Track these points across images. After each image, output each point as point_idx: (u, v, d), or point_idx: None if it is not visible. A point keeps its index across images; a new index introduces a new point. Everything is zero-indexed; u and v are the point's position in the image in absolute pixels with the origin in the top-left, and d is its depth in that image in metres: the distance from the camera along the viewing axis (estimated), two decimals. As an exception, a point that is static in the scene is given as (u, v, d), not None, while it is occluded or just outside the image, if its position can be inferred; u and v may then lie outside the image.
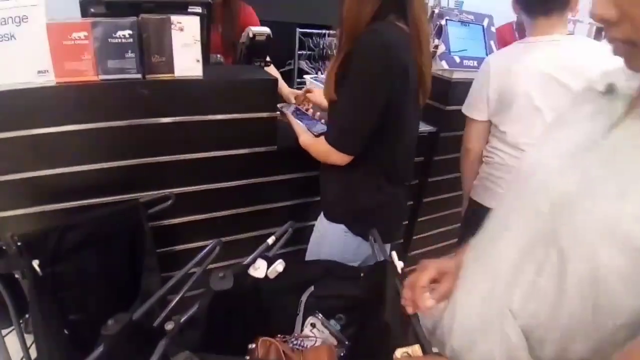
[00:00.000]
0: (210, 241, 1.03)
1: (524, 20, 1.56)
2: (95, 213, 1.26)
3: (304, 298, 1.18)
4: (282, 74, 2.30)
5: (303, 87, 2.16)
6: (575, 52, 1.44)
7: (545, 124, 1.45)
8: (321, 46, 3.67)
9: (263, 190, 1.58)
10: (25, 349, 1.17)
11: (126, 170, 1.33)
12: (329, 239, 1.35)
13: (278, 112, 1.49)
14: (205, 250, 0.98)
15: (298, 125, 1.43)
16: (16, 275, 1.16)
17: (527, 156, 0.79)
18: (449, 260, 0.89)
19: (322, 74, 2.34)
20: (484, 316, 0.72)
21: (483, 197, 1.70)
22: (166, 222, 1.46)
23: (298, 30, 3.53)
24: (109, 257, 1.28)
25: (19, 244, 1.06)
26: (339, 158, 1.20)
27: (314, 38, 3.60)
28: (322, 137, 1.22)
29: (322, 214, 1.38)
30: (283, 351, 0.95)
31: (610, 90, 0.64)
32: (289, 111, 1.56)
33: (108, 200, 1.34)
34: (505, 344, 0.67)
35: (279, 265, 1.03)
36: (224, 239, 1.05)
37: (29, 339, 1.16)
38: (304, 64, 3.66)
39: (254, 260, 0.99)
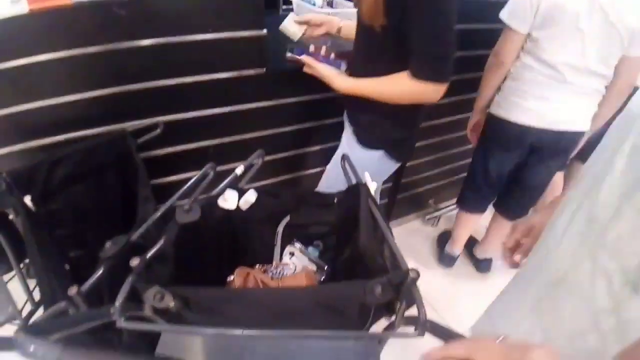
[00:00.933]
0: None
1: None
2: (82, 145, 1.21)
3: (280, 228, 1.17)
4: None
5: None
6: None
7: (584, 47, 1.49)
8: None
9: (253, 117, 1.53)
10: (29, 292, 1.16)
11: (110, 99, 1.27)
12: (363, 164, 1.26)
13: (288, 54, 1.35)
14: (197, 176, 0.95)
15: (331, 70, 1.27)
16: (10, 217, 1.13)
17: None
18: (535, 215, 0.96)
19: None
20: None
21: (509, 111, 1.70)
22: (156, 152, 1.43)
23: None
24: (102, 190, 1.26)
25: (7, 180, 1.03)
26: (436, 92, 1.09)
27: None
28: (403, 76, 1.08)
29: (349, 140, 1.35)
30: (261, 280, 0.95)
31: None
32: (305, 53, 1.34)
33: (94, 132, 1.30)
34: None
35: (251, 196, 1.01)
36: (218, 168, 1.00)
37: (32, 284, 1.15)
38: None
39: (222, 191, 0.96)
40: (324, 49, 1.34)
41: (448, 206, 2.63)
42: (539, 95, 1.62)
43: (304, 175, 1.85)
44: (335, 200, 1.10)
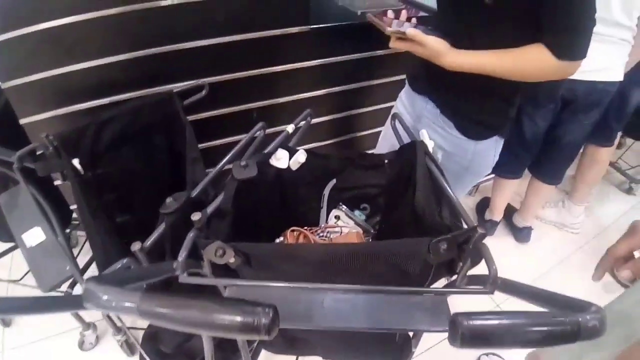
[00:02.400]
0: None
1: None
2: (129, 106, 1.20)
3: (326, 192, 1.16)
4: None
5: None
6: None
7: (609, 3, 1.45)
8: None
9: (298, 77, 1.50)
10: (72, 258, 1.17)
11: (155, 59, 1.26)
12: (481, 159, 1.22)
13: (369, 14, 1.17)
14: (249, 135, 0.94)
15: (441, 43, 1.01)
16: (56, 182, 1.15)
17: None
18: None
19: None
20: None
21: None
22: (202, 114, 1.42)
23: None
24: (148, 152, 1.26)
25: (54, 144, 1.03)
26: (572, 69, 0.96)
27: None
28: (540, 50, 0.93)
29: (449, 139, 1.20)
30: (313, 240, 0.95)
31: None
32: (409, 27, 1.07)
33: (140, 93, 1.30)
34: None
35: (301, 156, 0.99)
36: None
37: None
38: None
39: (275, 150, 0.95)
40: (404, 12, 1.08)
41: (484, 174, 2.57)
42: None
43: (353, 138, 1.83)
44: (385, 162, 1.07)
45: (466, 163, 1.23)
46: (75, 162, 1.09)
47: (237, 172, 0.81)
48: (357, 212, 1.18)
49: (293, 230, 0.99)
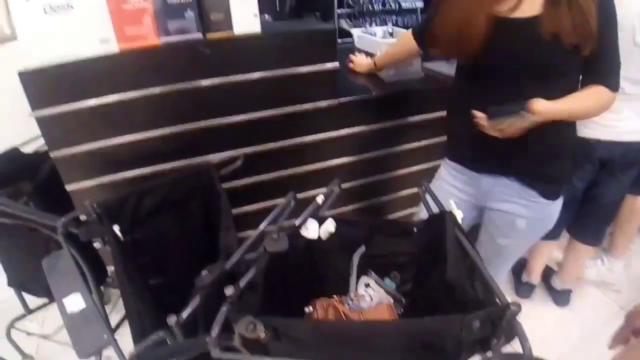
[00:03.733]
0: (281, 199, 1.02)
1: None
2: (169, 177, 1.28)
3: (355, 259, 1.16)
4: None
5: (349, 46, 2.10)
6: None
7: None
8: (361, 2, 3.52)
9: (327, 146, 1.57)
10: (105, 318, 1.21)
11: (194, 133, 1.34)
12: (556, 215, 1.28)
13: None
14: (280, 205, 0.98)
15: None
16: (96, 245, 1.21)
17: None
18: None
19: (365, 29, 2.25)
20: None
21: (592, 130, 1.65)
22: (237, 182, 1.48)
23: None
24: (185, 220, 1.31)
25: (97, 211, 1.09)
26: (613, 103, 1.13)
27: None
28: (602, 90, 1.08)
29: (524, 203, 1.23)
30: (343, 312, 0.94)
31: None
32: None
33: (179, 164, 1.37)
34: None
35: (331, 226, 1.01)
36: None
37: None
38: (344, 23, 3.53)
39: (304, 220, 0.97)
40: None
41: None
42: (610, 110, 1.56)
43: (380, 203, 1.85)
44: (414, 230, 1.07)
45: (549, 224, 1.28)
46: (116, 228, 1.14)
47: (268, 244, 0.83)
48: (387, 280, 1.16)
49: (322, 301, 0.99)
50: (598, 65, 1.08)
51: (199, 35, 1.23)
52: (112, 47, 1.18)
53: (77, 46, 1.16)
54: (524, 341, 0.62)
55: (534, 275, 2.16)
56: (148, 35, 1.20)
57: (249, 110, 1.37)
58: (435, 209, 1.04)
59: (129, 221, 1.17)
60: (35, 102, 1.17)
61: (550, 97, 1.07)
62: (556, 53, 1.04)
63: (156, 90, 1.24)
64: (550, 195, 1.22)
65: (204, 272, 0.77)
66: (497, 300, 0.74)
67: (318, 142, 1.53)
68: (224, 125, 1.36)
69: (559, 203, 1.25)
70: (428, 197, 1.12)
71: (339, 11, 3.49)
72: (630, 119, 1.59)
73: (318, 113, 1.45)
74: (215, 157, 1.37)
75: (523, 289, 2.20)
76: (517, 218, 1.26)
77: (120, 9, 1.15)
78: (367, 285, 1.15)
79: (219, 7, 1.23)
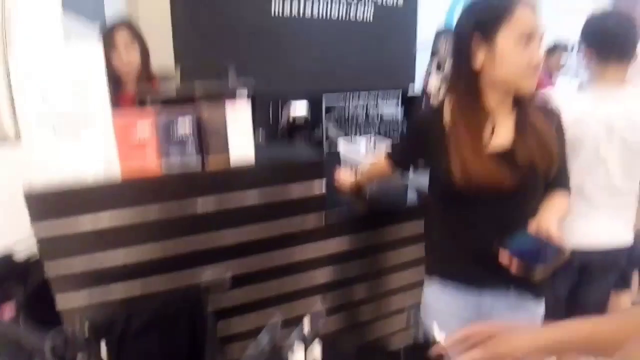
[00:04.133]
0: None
1: (588, 64, 1.58)
2: (158, 298, 1.31)
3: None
4: (311, 139, 2.41)
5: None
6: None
7: (608, 171, 1.55)
8: (347, 109, 3.78)
9: (312, 268, 1.61)
10: None
11: (187, 253, 1.39)
12: (539, 318, 1.31)
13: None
14: (265, 330, 1.00)
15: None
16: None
17: None
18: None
19: (351, 137, 2.44)
20: None
21: None
22: (227, 304, 1.49)
23: (324, 95, 3.67)
24: (171, 339, 1.30)
25: (85, 329, 1.10)
26: None
27: (340, 102, 3.73)
28: (561, 191, 1.27)
29: (520, 308, 1.26)
30: None
31: None
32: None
33: (170, 282, 1.39)
34: None
35: (316, 349, 1.02)
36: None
37: None
38: (331, 129, 3.76)
39: (291, 346, 0.99)
40: None
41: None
42: (572, 220, 1.61)
43: (367, 322, 1.82)
44: (402, 355, 1.08)
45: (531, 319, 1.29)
46: (103, 347, 1.14)
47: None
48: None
49: None
50: (559, 177, 1.25)
51: (197, 166, 1.32)
52: (115, 172, 1.26)
53: (81, 169, 1.23)
54: None
55: None
56: (150, 165, 1.27)
57: (239, 231, 1.44)
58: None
59: (116, 341, 1.18)
60: (36, 216, 1.21)
61: (525, 213, 1.17)
62: (533, 177, 1.17)
63: (153, 214, 1.31)
64: (539, 293, 1.28)
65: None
66: None
67: (305, 261, 1.58)
68: (215, 247, 1.41)
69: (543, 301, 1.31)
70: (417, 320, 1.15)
71: (326, 116, 3.73)
72: (601, 226, 1.63)
73: (306, 234, 1.52)
74: (205, 276, 1.40)
75: None
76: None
77: (127, 140, 1.24)
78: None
79: (217, 136, 1.33)
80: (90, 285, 1.32)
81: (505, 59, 1.08)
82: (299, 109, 1.78)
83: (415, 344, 1.07)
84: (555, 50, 4.10)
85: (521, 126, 1.16)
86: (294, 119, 1.68)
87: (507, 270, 1.10)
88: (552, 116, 1.23)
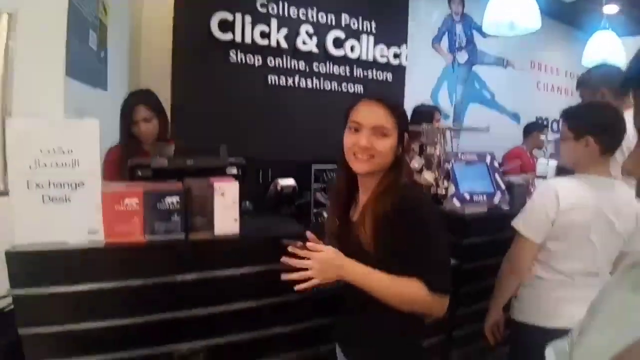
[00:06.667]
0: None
1: (586, 154, 1.63)
2: None
3: None
4: (298, 206, 2.44)
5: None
6: (626, 197, 1.59)
7: (595, 255, 1.60)
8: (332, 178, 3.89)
9: (301, 337, 1.58)
10: None
11: (164, 323, 1.36)
12: None
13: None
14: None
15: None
16: None
17: (582, 346, 0.67)
18: None
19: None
20: None
21: (531, 316, 1.71)
22: None
23: (313, 166, 3.78)
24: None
25: None
26: (444, 305, 1.13)
27: (327, 173, 3.83)
28: (415, 281, 1.11)
29: None
30: None
31: None
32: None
33: (143, 353, 1.35)
34: None
35: None
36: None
37: None
38: (319, 196, 3.84)
39: None
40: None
41: None
42: (555, 298, 1.66)
43: None
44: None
45: None
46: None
47: None
48: None
49: None
50: (413, 266, 1.13)
51: (181, 236, 1.34)
52: (99, 239, 1.26)
53: (66, 235, 1.24)
54: None
55: None
56: (134, 233, 1.29)
57: (220, 303, 1.42)
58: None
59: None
60: (16, 281, 1.20)
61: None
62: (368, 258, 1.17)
63: (135, 282, 1.30)
64: None
65: None
66: None
67: (279, 334, 1.55)
68: (195, 317, 1.39)
69: None
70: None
71: (315, 185, 3.82)
72: (577, 309, 1.64)
73: (285, 306, 1.50)
74: (181, 347, 1.37)
75: None
76: None
77: (113, 209, 1.26)
78: None
79: (203, 212, 1.37)
80: (64, 353, 1.28)
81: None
82: (287, 180, 1.82)
83: None
84: (535, 129, 4.30)
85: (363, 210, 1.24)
86: (282, 187, 1.70)
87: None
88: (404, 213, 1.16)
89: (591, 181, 1.61)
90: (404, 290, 1.12)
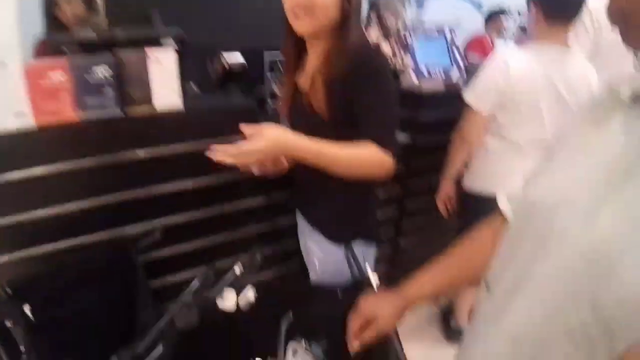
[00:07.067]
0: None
1: (534, 24, 1.64)
2: (85, 253, 1.24)
3: (283, 326, 1.16)
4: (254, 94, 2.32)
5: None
6: (578, 68, 1.61)
7: (543, 123, 1.62)
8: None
9: (248, 214, 1.57)
10: None
11: (112, 205, 1.31)
12: (335, 259, 1.27)
13: None
14: (197, 278, 0.97)
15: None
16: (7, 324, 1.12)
17: (538, 186, 0.64)
18: (390, 301, 0.88)
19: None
20: None
21: (482, 185, 1.78)
22: (156, 254, 1.43)
23: (266, 53, 3.56)
24: (103, 296, 1.24)
25: (7, 290, 1.04)
26: (390, 166, 1.09)
27: (282, 61, 3.63)
28: (366, 145, 1.06)
29: (316, 237, 1.30)
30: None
31: None
32: None
33: (96, 238, 1.32)
34: None
35: (250, 294, 1.01)
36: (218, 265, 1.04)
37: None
38: (274, 86, 3.68)
39: (220, 292, 0.96)
40: None
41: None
42: (505, 167, 1.72)
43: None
44: (339, 294, 1.09)
45: (324, 255, 1.30)
46: (26, 308, 1.08)
47: (178, 319, 0.82)
48: (314, 346, 1.16)
49: None
50: (365, 127, 1.10)
51: (118, 111, 1.24)
52: (28, 121, 1.16)
53: None
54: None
55: (462, 320, 2.18)
56: (65, 111, 1.19)
57: (168, 181, 1.37)
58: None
59: (41, 301, 1.11)
60: None
61: None
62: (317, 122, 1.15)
63: (73, 164, 1.22)
64: (331, 236, 1.27)
65: (114, 359, 0.74)
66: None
67: (237, 210, 1.54)
68: (143, 198, 1.35)
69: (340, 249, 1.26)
70: (352, 260, 1.15)
71: (269, 73, 3.64)
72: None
73: (235, 183, 1.47)
74: (134, 229, 1.34)
75: (453, 334, 2.22)
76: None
77: (37, 84, 1.14)
78: (295, 352, 1.14)
79: (139, 84, 1.25)
80: (10, 245, 1.23)
81: None
82: (234, 55, 1.66)
83: (352, 285, 1.07)
84: (497, 15, 4.19)
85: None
86: (230, 65, 1.55)
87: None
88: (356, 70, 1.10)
89: (543, 51, 1.61)
90: (353, 157, 1.08)
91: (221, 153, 1.04)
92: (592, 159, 0.54)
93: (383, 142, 1.06)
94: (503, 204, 0.78)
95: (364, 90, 1.09)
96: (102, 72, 1.20)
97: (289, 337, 1.14)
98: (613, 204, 0.48)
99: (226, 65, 1.59)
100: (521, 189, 0.70)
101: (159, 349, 0.76)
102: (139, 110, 1.27)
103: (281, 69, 3.34)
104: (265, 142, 1.04)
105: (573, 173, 0.56)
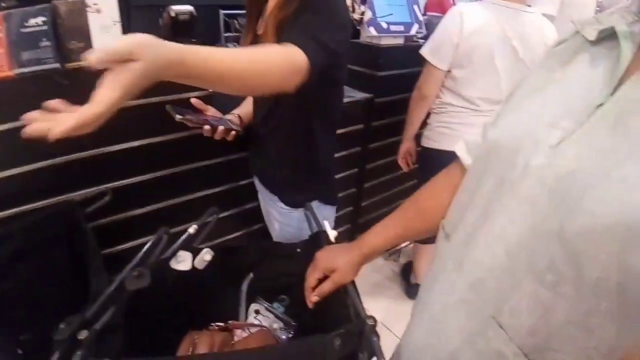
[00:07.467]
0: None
1: None
2: (27, 220, 1.15)
3: (244, 287, 1.14)
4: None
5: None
6: (535, 26, 1.61)
7: (499, 81, 1.62)
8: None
9: (199, 176, 1.52)
10: None
11: (55, 169, 1.23)
12: (295, 223, 1.27)
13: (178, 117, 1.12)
14: (151, 241, 0.93)
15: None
16: None
17: (499, 125, 0.63)
18: (346, 252, 0.87)
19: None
20: (467, 330, 0.61)
21: (439, 142, 1.80)
22: (107, 220, 1.37)
23: (221, 12, 3.40)
24: (52, 265, 1.19)
25: None
26: (304, 66, 0.86)
27: (239, 19, 3.48)
28: (280, 47, 0.86)
29: (274, 202, 1.28)
30: (215, 343, 0.91)
31: (605, 36, 0.51)
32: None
33: (40, 204, 1.24)
34: None
35: (207, 255, 0.98)
36: (172, 230, 0.99)
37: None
38: (231, 47, 3.54)
39: (174, 253, 0.93)
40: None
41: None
42: (461, 124, 1.74)
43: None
44: (297, 250, 1.08)
45: (284, 221, 1.30)
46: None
47: (129, 283, 0.79)
48: (275, 304, 1.15)
49: (191, 334, 0.94)
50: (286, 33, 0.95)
51: (56, 65, 1.14)
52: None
53: None
54: (379, 356, 0.63)
55: (421, 277, 2.24)
56: (0, 67, 1.08)
57: (111, 142, 1.30)
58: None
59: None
60: None
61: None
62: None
63: (11, 124, 1.13)
64: (288, 202, 1.26)
65: (62, 325, 0.70)
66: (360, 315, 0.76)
67: (193, 170, 1.49)
68: (87, 159, 1.27)
69: (300, 213, 1.23)
70: (310, 216, 1.14)
71: (226, 35, 3.50)
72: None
73: (187, 141, 1.40)
74: (80, 195, 1.27)
75: (413, 290, 2.28)
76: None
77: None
78: (257, 312, 1.14)
79: (78, 36, 1.15)
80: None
81: None
82: (183, 6, 1.54)
83: (311, 241, 1.06)
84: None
85: None
86: (177, 13, 1.43)
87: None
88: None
89: (499, 7, 1.60)
90: (255, 59, 0.80)
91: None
92: (556, 95, 0.54)
93: (301, 42, 0.87)
94: (461, 151, 0.78)
95: (302, 10, 0.97)
96: (38, 23, 1.10)
97: (250, 299, 1.14)
98: (577, 136, 0.48)
99: (173, 14, 1.48)
100: (480, 135, 0.69)
101: (109, 314, 0.73)
102: (78, 63, 1.17)
103: (238, 27, 3.23)
104: (133, 41, 0.62)
105: (536, 109, 0.56)
